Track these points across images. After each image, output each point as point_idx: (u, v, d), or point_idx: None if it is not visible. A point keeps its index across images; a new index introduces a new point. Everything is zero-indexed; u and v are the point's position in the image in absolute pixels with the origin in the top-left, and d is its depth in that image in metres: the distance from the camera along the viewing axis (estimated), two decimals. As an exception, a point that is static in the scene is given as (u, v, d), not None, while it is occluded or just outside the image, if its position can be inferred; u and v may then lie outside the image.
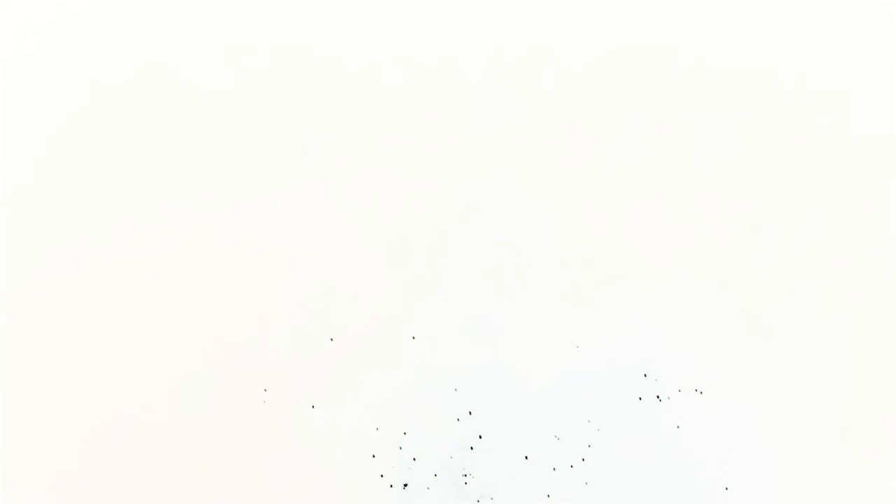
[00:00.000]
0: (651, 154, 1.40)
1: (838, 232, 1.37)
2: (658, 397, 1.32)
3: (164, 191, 1.39)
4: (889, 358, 1.35)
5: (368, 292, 1.36)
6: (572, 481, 1.31)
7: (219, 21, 1.44)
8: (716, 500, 1.31)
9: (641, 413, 1.32)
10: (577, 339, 1.34)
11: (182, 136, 1.41)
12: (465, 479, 1.31)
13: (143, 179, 1.40)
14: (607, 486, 1.31)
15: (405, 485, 1.32)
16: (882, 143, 1.40)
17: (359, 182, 1.39)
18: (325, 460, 1.32)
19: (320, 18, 1.44)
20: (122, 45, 1.43)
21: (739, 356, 1.34)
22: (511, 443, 1.32)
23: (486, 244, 1.37)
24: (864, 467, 1.32)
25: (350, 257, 1.37)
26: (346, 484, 1.32)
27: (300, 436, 1.33)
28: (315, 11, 1.44)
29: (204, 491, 1.32)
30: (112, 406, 1.33)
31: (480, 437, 1.32)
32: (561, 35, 1.43)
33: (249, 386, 1.34)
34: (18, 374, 1.35)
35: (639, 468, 1.31)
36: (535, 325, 1.35)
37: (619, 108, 1.41)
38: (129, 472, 1.32)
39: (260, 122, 1.41)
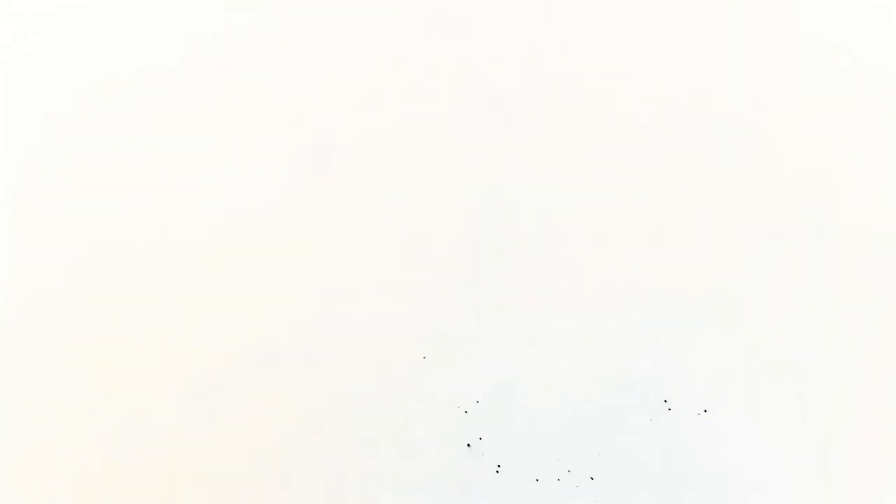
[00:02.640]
0: (661, 174, 1.39)
1: (850, 250, 1.37)
2: (669, 418, 1.33)
3: (163, 192, 1.38)
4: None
5: (378, 312, 1.35)
6: (582, 502, 1.32)
7: (221, 22, 1.42)
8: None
9: (652, 435, 1.32)
10: (588, 361, 1.34)
11: (183, 135, 1.40)
12: (475, 501, 1.32)
13: (143, 180, 1.39)
14: (617, 508, 1.32)
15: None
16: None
17: (368, 198, 1.38)
18: (332, 480, 1.32)
19: (324, 22, 1.43)
20: (124, 46, 1.42)
21: (751, 379, 1.34)
22: (521, 464, 1.32)
23: (499, 265, 1.36)
24: (876, 486, 1.33)
25: (360, 275, 1.36)
26: (353, 503, 1.32)
27: (308, 455, 1.33)
28: (319, 16, 1.43)
29: (210, 499, 1.32)
30: (117, 412, 1.34)
31: (490, 457, 1.33)
32: (565, 38, 1.42)
33: (255, 405, 1.33)
34: (19, 375, 1.35)
35: (649, 490, 1.32)
36: (546, 348, 1.34)
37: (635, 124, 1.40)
38: (130, 479, 1.33)
39: (268, 130, 1.40)
